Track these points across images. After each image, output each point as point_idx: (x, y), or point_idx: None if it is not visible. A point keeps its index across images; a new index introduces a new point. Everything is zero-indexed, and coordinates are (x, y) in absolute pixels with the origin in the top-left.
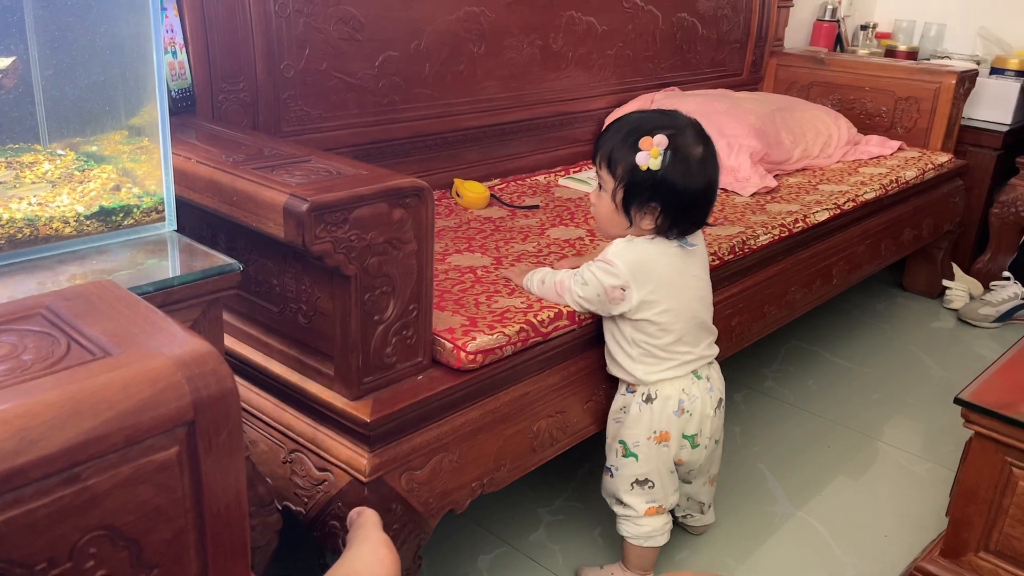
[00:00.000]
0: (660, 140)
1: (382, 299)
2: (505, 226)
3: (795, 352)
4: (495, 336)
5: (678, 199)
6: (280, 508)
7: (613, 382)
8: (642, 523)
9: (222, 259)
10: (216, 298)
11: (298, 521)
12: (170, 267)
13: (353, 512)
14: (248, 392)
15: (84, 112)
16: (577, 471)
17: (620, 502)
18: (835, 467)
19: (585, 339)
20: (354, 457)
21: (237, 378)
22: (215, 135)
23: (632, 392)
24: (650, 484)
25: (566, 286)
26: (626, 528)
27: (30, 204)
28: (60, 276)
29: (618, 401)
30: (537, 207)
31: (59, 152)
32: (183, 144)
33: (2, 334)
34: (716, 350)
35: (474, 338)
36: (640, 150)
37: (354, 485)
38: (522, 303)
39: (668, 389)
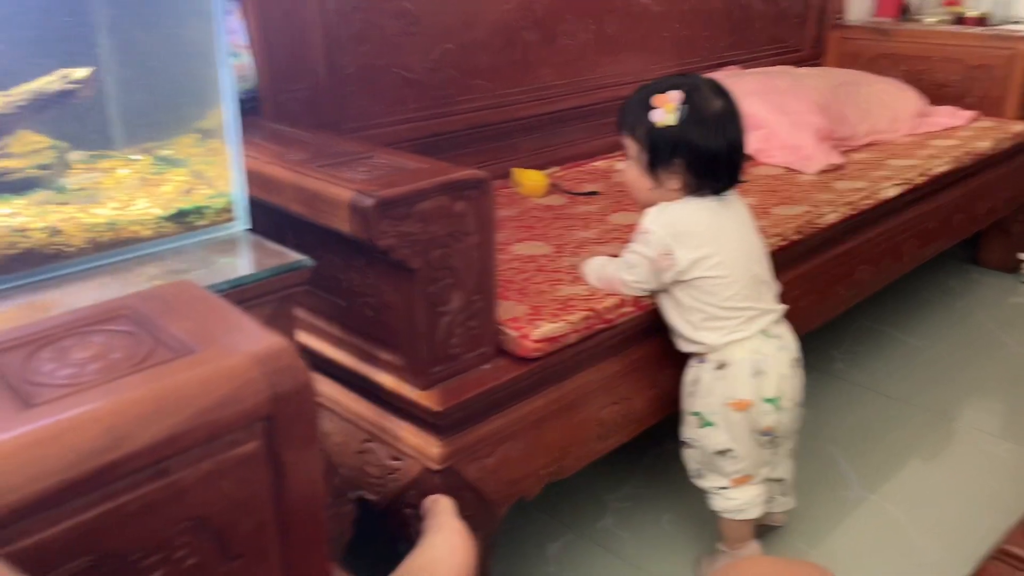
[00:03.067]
0: (673, 96)
1: (446, 291)
2: (566, 213)
3: (865, 332)
4: (559, 324)
5: (700, 153)
6: (354, 498)
7: (679, 367)
8: (731, 496)
9: (293, 256)
10: (288, 294)
11: (371, 510)
12: (243, 266)
13: (428, 500)
14: (320, 384)
15: (156, 117)
16: (643, 457)
17: (703, 476)
18: (910, 449)
19: (650, 325)
20: (425, 446)
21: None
22: (280, 135)
23: (703, 362)
24: (733, 453)
25: (617, 279)
26: (716, 503)
27: (111, 209)
28: (140, 277)
29: (689, 373)
30: (597, 193)
31: (134, 157)
32: (250, 145)
33: (93, 335)
34: (782, 306)
35: (538, 326)
36: (655, 107)
37: (426, 473)
38: (585, 290)
39: (739, 352)
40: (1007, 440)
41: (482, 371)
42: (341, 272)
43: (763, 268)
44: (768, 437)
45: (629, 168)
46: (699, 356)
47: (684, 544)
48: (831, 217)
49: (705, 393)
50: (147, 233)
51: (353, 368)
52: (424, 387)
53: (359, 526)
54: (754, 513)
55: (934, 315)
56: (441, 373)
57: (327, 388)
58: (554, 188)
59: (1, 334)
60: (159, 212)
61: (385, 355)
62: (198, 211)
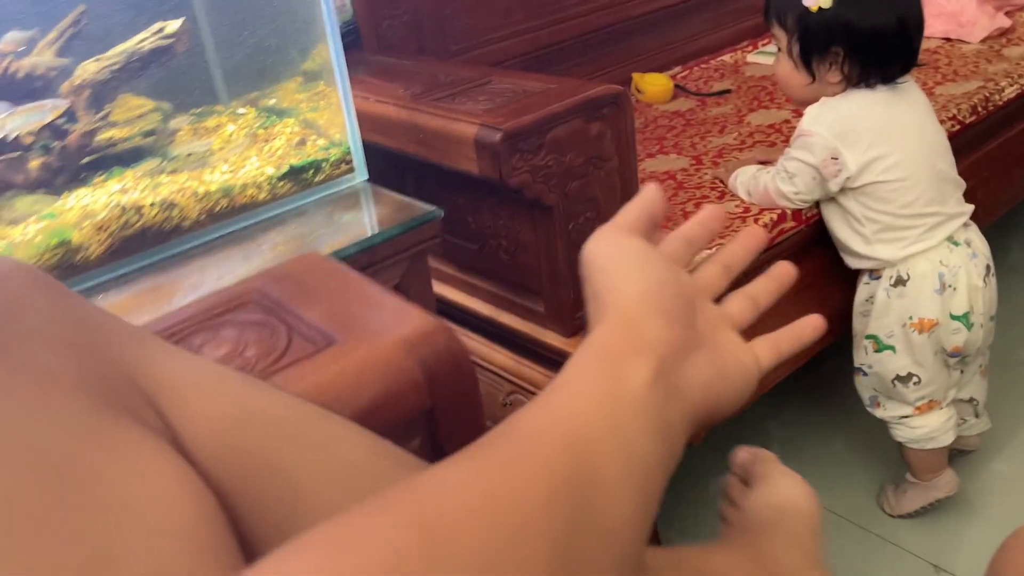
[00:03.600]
0: None
1: (588, 225)
2: (697, 118)
3: None
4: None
5: (863, 36)
6: None
7: (849, 283)
8: (916, 424)
9: (421, 207)
10: (421, 250)
11: None
12: (368, 223)
13: (742, 452)
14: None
15: (256, 64)
16: (802, 379)
17: (882, 406)
18: None
19: (814, 238)
20: None
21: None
22: (386, 67)
23: (877, 278)
24: (915, 379)
25: (773, 191)
26: (899, 432)
27: (222, 173)
28: (263, 246)
29: (862, 292)
30: (729, 91)
31: (240, 111)
32: (356, 82)
33: (223, 327)
34: (969, 207)
35: None
36: None
37: None
38: (737, 207)
39: (922, 265)
40: None
41: None
42: (470, 215)
43: (948, 164)
44: (957, 358)
45: (780, 62)
46: (872, 272)
47: (863, 472)
48: (1010, 91)
49: (881, 313)
50: (263, 196)
51: (491, 317)
52: (571, 334)
53: None
54: (945, 441)
55: None
56: (586, 317)
57: (464, 338)
58: (680, 91)
59: None
60: (272, 171)
61: (525, 301)
62: (314, 165)
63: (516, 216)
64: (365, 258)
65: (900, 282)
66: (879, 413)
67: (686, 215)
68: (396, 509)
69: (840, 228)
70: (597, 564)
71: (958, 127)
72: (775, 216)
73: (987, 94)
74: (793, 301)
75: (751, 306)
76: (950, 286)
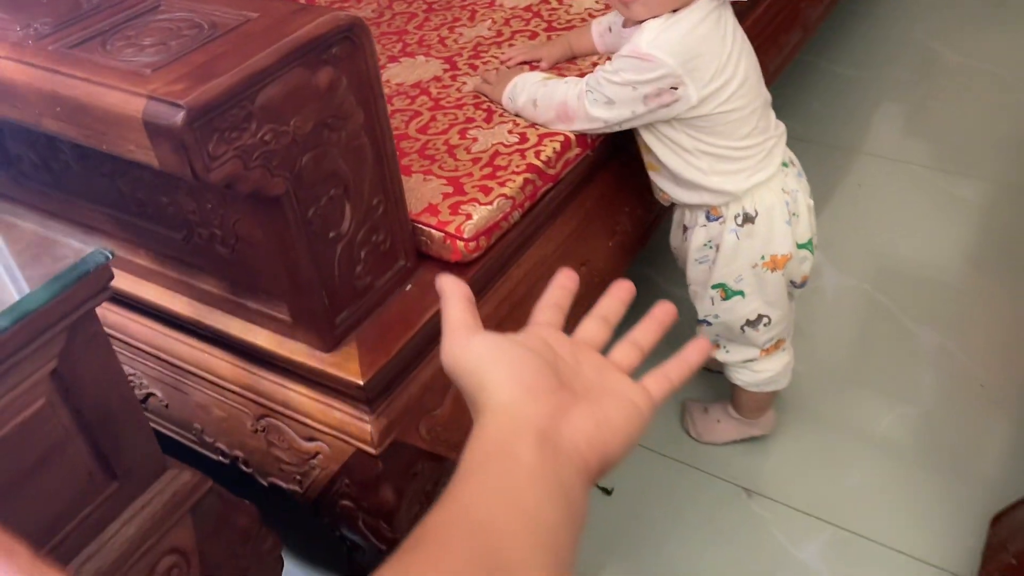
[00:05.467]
0: None
1: (333, 207)
2: (439, 1)
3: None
4: (496, 204)
5: None
6: (266, 483)
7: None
8: (760, 368)
9: (76, 247)
10: (87, 311)
11: (292, 500)
12: None
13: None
14: (175, 343)
15: None
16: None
17: (725, 349)
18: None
19: (599, 161)
20: (351, 422)
21: (155, 324)
22: None
23: (716, 219)
24: (765, 320)
25: (578, 112)
26: (740, 376)
27: None
28: None
29: (698, 236)
30: None
31: None
32: None
33: None
34: (783, 124)
35: (469, 216)
36: None
37: (361, 457)
38: (511, 132)
39: (769, 196)
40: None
41: (405, 296)
42: (162, 193)
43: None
44: (800, 288)
45: None
46: (709, 212)
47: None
48: None
49: (729, 258)
50: None
51: (216, 326)
52: (332, 347)
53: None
54: (784, 383)
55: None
56: (351, 320)
57: (184, 346)
58: None
59: None
60: None
61: (265, 307)
62: None
63: (228, 205)
64: None
65: (748, 219)
66: (721, 356)
67: (451, 149)
68: None
69: (670, 158)
70: None
71: None
72: (558, 146)
73: None
74: (588, 238)
75: (635, 350)
76: (794, 213)
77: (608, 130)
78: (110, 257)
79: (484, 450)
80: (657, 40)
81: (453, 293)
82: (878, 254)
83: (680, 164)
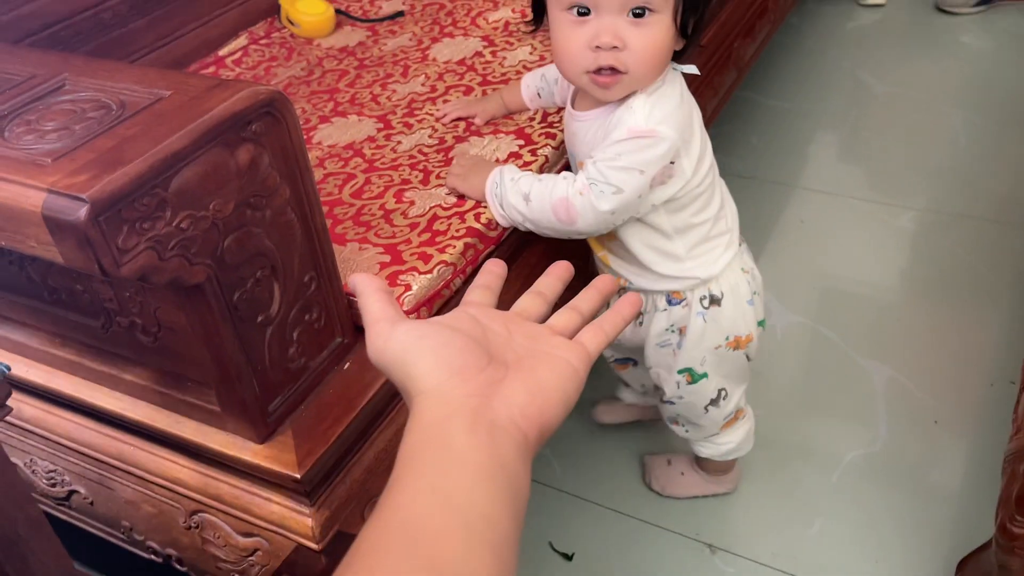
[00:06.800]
0: None
1: (261, 289)
2: (371, 56)
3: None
4: (436, 272)
5: None
6: None
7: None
8: (721, 440)
9: None
10: None
11: None
12: None
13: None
14: (98, 436)
15: None
16: None
17: (682, 426)
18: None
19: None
20: (290, 516)
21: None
22: None
23: (679, 303)
24: (724, 393)
25: (582, 206)
26: (703, 449)
27: None
28: None
29: (659, 322)
30: (401, 14)
31: None
32: None
33: None
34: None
35: (408, 286)
36: None
37: (303, 551)
38: (448, 195)
39: (732, 276)
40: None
41: (343, 375)
42: (75, 280)
43: None
44: (751, 360)
45: (652, 29)
46: (671, 295)
47: (616, 450)
48: None
49: (695, 343)
50: None
51: (138, 419)
52: (265, 438)
53: None
54: (747, 449)
55: (791, 68)
56: (284, 406)
57: (106, 439)
58: (343, 18)
59: None
60: None
61: (191, 397)
62: None
63: (148, 292)
64: None
65: (715, 301)
66: (680, 432)
67: (387, 214)
68: None
69: (643, 251)
70: None
71: None
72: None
73: None
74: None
75: (575, 315)
76: (755, 292)
77: (610, 228)
78: (6, 372)
79: (418, 438)
80: (653, 115)
81: (368, 287)
82: (823, 289)
83: (652, 256)
